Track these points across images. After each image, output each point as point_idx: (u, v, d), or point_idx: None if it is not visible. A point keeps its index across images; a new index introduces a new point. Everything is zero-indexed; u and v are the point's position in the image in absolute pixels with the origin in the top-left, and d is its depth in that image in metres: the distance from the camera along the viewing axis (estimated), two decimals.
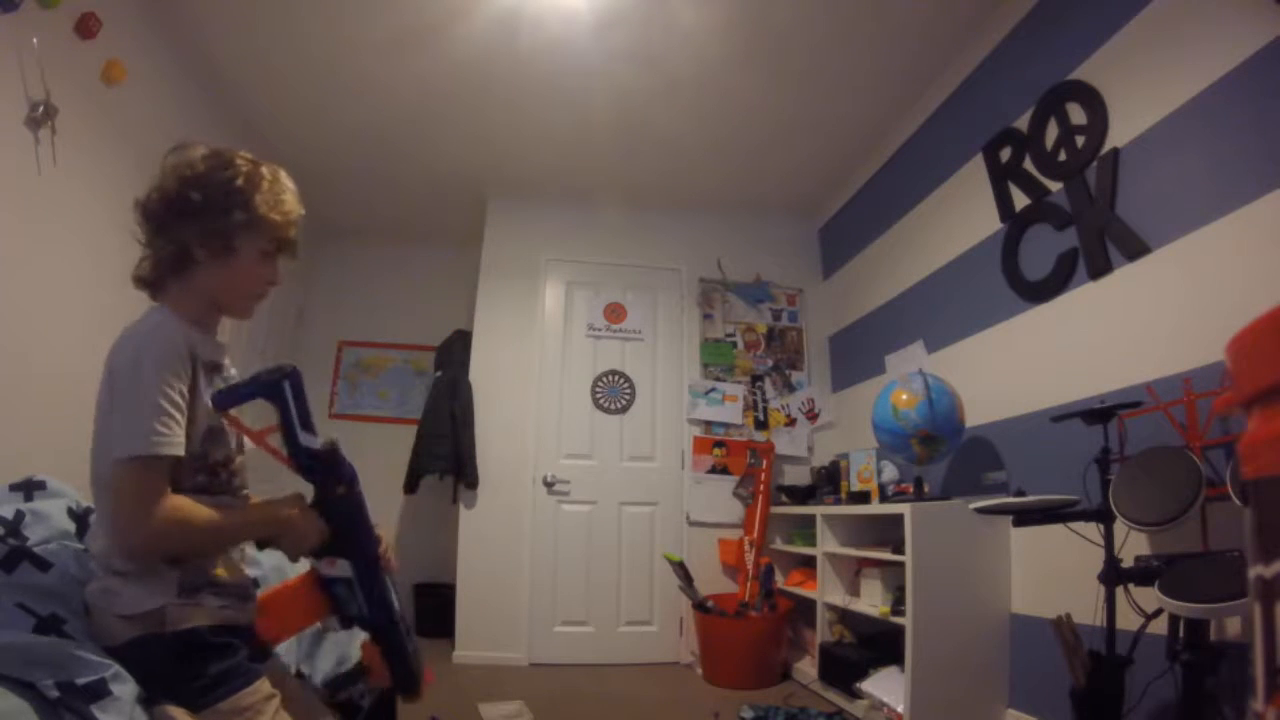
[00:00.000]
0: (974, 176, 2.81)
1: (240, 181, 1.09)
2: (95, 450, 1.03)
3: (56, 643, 0.91)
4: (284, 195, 1.14)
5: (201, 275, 1.10)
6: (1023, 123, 2.54)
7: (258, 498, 1.16)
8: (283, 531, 1.05)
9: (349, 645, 1.61)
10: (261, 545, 1.09)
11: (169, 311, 1.06)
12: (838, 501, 3.36)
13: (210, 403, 1.04)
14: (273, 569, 1.53)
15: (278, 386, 1.02)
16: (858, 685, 2.64)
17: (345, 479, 1.08)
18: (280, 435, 1.04)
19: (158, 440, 0.94)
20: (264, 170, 1.13)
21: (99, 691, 0.89)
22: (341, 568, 1.07)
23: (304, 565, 1.12)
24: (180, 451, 0.97)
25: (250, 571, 1.29)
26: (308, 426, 1.05)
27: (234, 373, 1.20)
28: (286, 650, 1.40)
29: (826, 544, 3.07)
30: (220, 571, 1.08)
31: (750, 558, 3.47)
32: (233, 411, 1.05)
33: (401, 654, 1.12)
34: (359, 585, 1.08)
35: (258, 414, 1.08)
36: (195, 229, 1.07)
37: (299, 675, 1.37)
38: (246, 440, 1.14)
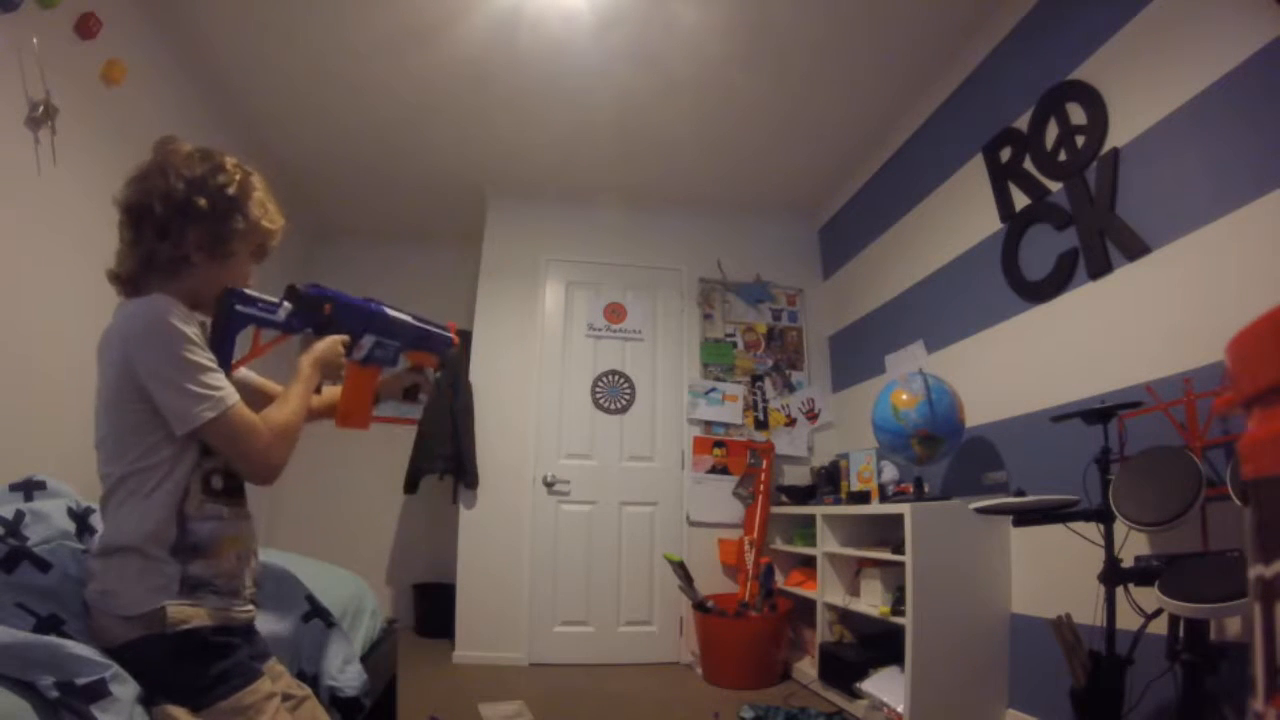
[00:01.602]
0: (974, 176, 2.81)
1: (235, 189, 1.11)
2: (109, 438, 1.03)
3: (56, 643, 0.91)
4: (270, 204, 1.18)
5: (193, 277, 1.10)
6: (1023, 123, 2.54)
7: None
8: (321, 367, 1.18)
9: (353, 645, 1.61)
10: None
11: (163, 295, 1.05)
12: (838, 501, 3.36)
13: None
14: (273, 569, 1.53)
15: (234, 313, 1.11)
16: (858, 685, 2.64)
17: (320, 300, 1.20)
18: (264, 331, 1.17)
19: (221, 396, 1.01)
20: (254, 179, 1.16)
21: (99, 692, 0.89)
22: (367, 341, 1.25)
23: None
24: (237, 395, 1.04)
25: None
26: (273, 307, 1.16)
27: None
28: (290, 650, 1.40)
29: (826, 544, 3.07)
30: (224, 552, 1.07)
31: (750, 558, 3.47)
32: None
33: (428, 337, 1.35)
34: (386, 338, 1.28)
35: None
36: (197, 234, 1.08)
37: (301, 676, 1.37)
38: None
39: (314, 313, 1.20)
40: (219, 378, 1.02)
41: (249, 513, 1.15)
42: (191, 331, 1.01)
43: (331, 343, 1.20)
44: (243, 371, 1.23)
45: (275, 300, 1.16)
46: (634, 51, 2.92)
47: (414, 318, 1.34)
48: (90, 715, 0.87)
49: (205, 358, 1.02)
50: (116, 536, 1.00)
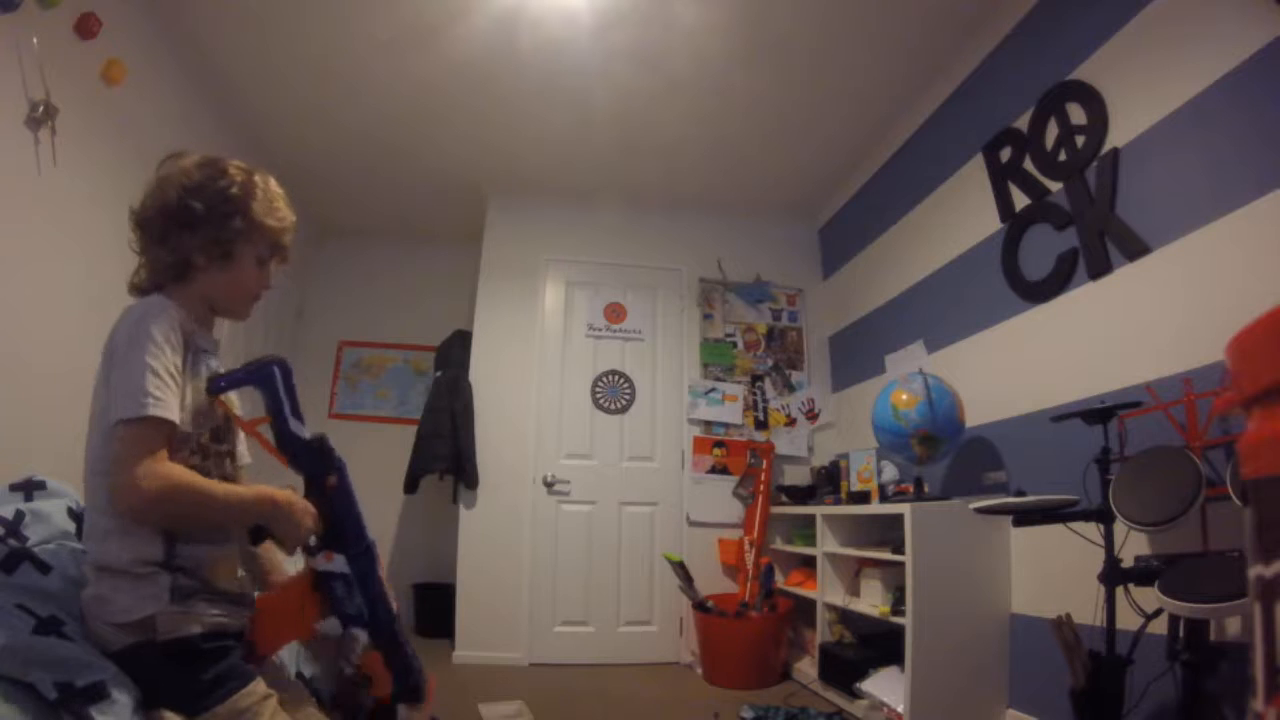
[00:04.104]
0: (974, 176, 2.81)
1: (236, 190, 1.11)
2: (91, 436, 1.03)
3: (56, 644, 0.91)
4: (277, 203, 1.17)
5: (201, 281, 1.12)
6: (1023, 123, 2.54)
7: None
8: (277, 514, 1.02)
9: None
10: (255, 539, 1.06)
11: (169, 299, 1.07)
12: (838, 501, 3.36)
13: (204, 388, 1.07)
14: None
15: (268, 373, 1.04)
16: (858, 685, 2.64)
17: (336, 468, 1.06)
18: (270, 424, 1.04)
19: (149, 402, 0.94)
20: (257, 178, 1.15)
21: (98, 693, 0.89)
22: (338, 563, 1.05)
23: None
24: (174, 416, 0.97)
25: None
26: (297, 415, 1.05)
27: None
28: (288, 651, 1.40)
29: (826, 544, 3.07)
30: (219, 577, 1.08)
31: (750, 558, 3.47)
32: (228, 397, 1.09)
33: (404, 658, 1.09)
34: (357, 581, 1.06)
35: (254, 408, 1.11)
36: (196, 238, 1.09)
37: (300, 677, 1.37)
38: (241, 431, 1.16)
39: (316, 466, 1.06)
40: (164, 389, 0.96)
41: None
42: (163, 336, 0.99)
43: (312, 513, 1.04)
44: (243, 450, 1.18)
45: (301, 413, 1.07)
46: (634, 51, 2.92)
47: (396, 630, 1.10)
48: (89, 716, 0.87)
49: (164, 366, 0.97)
50: (101, 558, 1.00)
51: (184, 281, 1.11)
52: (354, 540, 1.07)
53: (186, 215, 1.08)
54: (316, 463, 1.05)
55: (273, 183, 1.18)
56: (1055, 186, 2.39)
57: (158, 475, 0.94)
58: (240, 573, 1.15)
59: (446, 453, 3.75)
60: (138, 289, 1.13)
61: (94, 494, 1.03)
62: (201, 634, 1.01)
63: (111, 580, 0.99)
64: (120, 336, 1.01)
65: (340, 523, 1.06)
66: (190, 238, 1.09)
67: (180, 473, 0.98)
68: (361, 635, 1.07)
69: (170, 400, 0.97)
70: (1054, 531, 1.94)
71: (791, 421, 4.03)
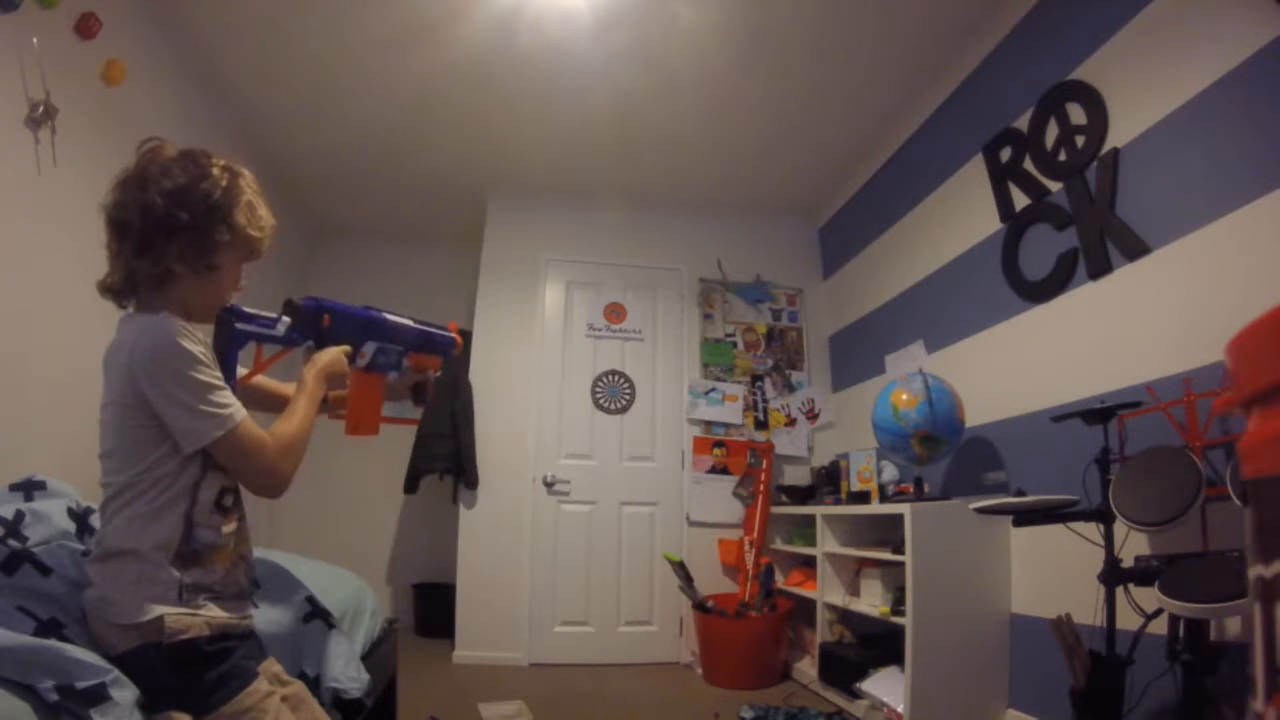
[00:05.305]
0: (974, 176, 2.81)
1: (220, 196, 1.07)
2: (115, 451, 1.02)
3: (56, 646, 0.91)
4: (260, 209, 1.13)
5: (179, 288, 1.08)
6: (1023, 123, 2.54)
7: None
8: (325, 378, 1.19)
9: (354, 646, 1.61)
10: (326, 410, 1.26)
11: (170, 315, 1.05)
12: (838, 501, 3.36)
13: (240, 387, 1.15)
14: (273, 569, 1.53)
15: (234, 330, 1.15)
16: (858, 685, 2.64)
17: (318, 313, 1.22)
18: (268, 347, 1.22)
19: (227, 414, 1.02)
20: (241, 182, 1.11)
21: (98, 696, 0.89)
22: (369, 349, 1.28)
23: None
24: (244, 410, 1.06)
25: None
26: (270, 321, 1.20)
27: None
28: (291, 651, 1.40)
29: (826, 544, 3.07)
30: (219, 560, 1.07)
31: (750, 558, 3.47)
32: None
33: (430, 338, 1.39)
34: (388, 344, 1.31)
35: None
36: (178, 248, 1.05)
37: (303, 677, 1.37)
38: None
39: (312, 325, 1.21)
40: (226, 395, 1.03)
41: (244, 514, 1.17)
42: (199, 351, 1.01)
43: (335, 354, 1.21)
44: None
45: (273, 316, 1.19)
46: (634, 51, 2.92)
47: (414, 321, 1.37)
48: (89, 719, 0.87)
49: (213, 376, 1.03)
50: (118, 541, 1.00)
51: (160, 290, 1.07)
52: (364, 329, 1.27)
53: (171, 224, 1.03)
54: (308, 326, 1.21)
55: (253, 183, 1.14)
56: (1055, 186, 2.39)
57: (282, 454, 1.08)
58: (238, 554, 1.14)
59: (446, 453, 3.75)
60: (111, 291, 1.09)
61: (119, 494, 1.02)
62: (206, 636, 1.01)
63: (117, 575, 0.98)
64: (156, 360, 0.99)
65: (350, 332, 1.26)
66: (172, 247, 1.04)
67: (282, 438, 1.09)
68: (405, 362, 1.35)
69: (235, 401, 1.05)
70: (1054, 531, 1.94)
71: (791, 421, 4.03)
